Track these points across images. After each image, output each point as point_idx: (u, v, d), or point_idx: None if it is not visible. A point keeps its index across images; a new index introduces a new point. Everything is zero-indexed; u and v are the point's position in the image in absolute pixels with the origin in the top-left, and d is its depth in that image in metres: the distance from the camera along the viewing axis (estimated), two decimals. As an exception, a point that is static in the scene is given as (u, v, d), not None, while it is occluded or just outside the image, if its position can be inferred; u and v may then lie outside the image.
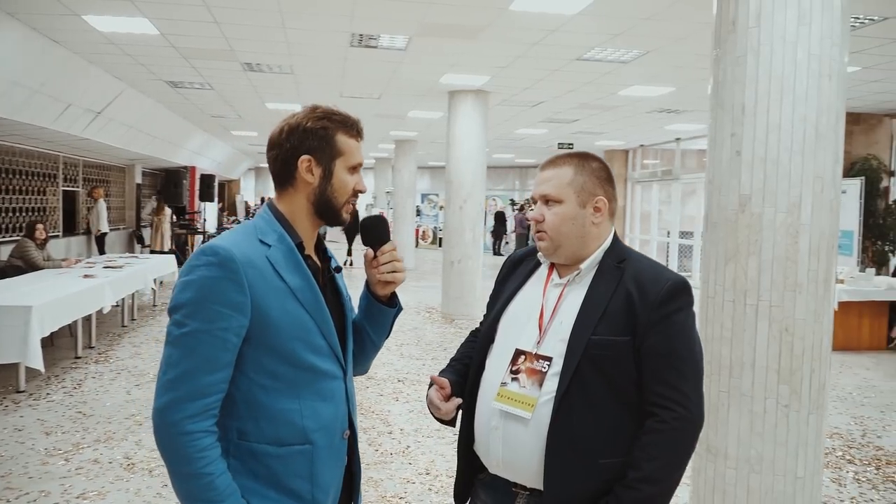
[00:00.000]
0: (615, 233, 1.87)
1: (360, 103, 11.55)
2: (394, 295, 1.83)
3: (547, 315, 1.78)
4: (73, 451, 4.57)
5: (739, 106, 3.38)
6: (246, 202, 27.76)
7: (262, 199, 28.95)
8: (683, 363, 1.68)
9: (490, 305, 1.99)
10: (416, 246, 17.36)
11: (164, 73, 9.35)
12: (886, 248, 10.56)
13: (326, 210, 1.68)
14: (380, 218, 1.81)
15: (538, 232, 1.82)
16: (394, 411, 5.60)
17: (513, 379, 1.75)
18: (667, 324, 1.68)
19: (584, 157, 1.85)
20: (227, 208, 26.17)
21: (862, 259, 10.29)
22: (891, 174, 11.19)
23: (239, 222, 21.31)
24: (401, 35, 7.14)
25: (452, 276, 10.12)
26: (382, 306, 1.80)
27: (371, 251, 1.77)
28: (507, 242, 22.64)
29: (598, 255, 1.80)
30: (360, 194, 1.75)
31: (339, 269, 1.79)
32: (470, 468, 1.90)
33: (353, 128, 1.69)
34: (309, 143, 1.64)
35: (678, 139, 15.23)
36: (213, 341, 1.50)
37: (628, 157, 17.80)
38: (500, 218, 22.27)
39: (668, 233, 15.83)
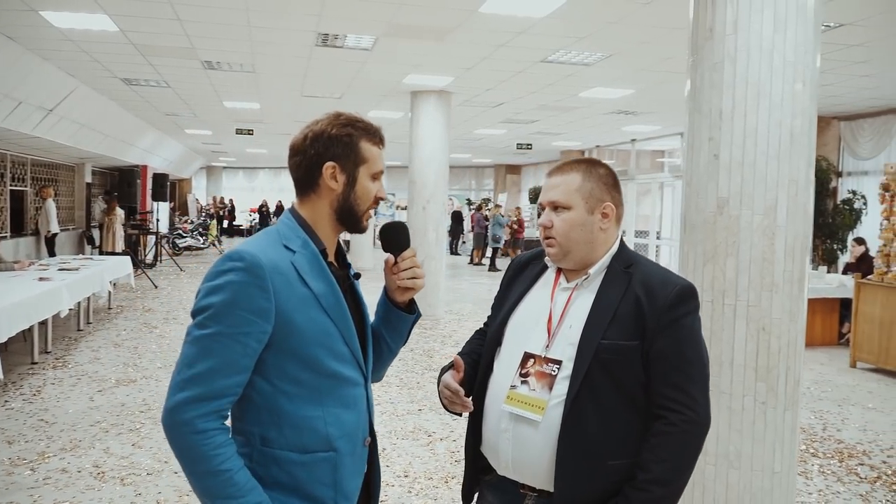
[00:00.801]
0: (621, 238, 1.90)
1: (320, 103, 11.45)
2: (412, 301, 1.83)
3: (555, 319, 1.79)
4: (38, 460, 4.43)
5: (717, 111, 3.46)
6: (197, 201, 27.22)
7: (215, 199, 28.46)
8: (691, 366, 1.71)
9: (496, 308, 2.00)
10: (374, 246, 17.25)
11: (120, 70, 9.12)
12: (836, 247, 10.94)
13: (349, 217, 1.68)
14: (401, 224, 1.81)
15: (547, 238, 1.83)
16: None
17: (522, 382, 1.76)
18: (675, 328, 1.70)
19: (591, 164, 1.88)
20: (179, 208, 25.64)
21: (813, 258, 10.64)
22: (839, 175, 11.60)
23: (192, 222, 20.92)
24: (367, 35, 7.11)
25: (416, 276, 10.09)
26: (401, 313, 1.80)
27: (392, 257, 1.76)
28: (463, 242, 22.73)
29: (606, 259, 1.82)
30: (381, 202, 1.75)
31: (358, 276, 1.78)
32: (475, 469, 1.92)
33: (375, 135, 1.70)
34: (334, 149, 1.63)
35: (634, 140, 15.51)
36: (234, 345, 1.49)
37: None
38: (456, 217, 22.34)
39: (624, 232, 16.09)
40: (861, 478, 4.56)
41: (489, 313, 2.07)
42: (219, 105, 12.18)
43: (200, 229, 20.26)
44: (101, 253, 13.94)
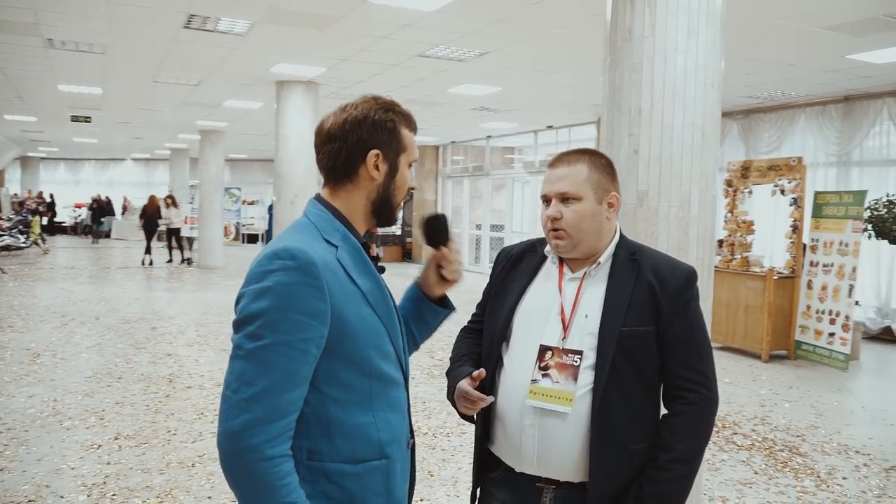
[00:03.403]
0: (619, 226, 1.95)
1: (172, 90, 10.78)
2: (445, 295, 1.78)
3: (568, 309, 1.80)
4: None
5: (636, 109, 3.66)
6: (15, 195, 24.58)
7: (29, 193, 25.77)
8: (702, 347, 1.80)
9: (492, 302, 1.96)
10: (223, 243, 16.51)
11: (-57, 45, 8.05)
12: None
13: (385, 208, 1.59)
14: (444, 215, 1.75)
15: (556, 230, 1.81)
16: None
17: (543, 375, 1.75)
18: (686, 311, 1.78)
19: (593, 154, 1.88)
20: (-11, 203, 23.02)
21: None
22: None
23: (10, 219, 18.87)
24: (244, 20, 6.78)
25: (284, 272, 9.79)
26: (437, 307, 1.76)
27: (445, 249, 1.71)
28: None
29: (611, 248, 1.85)
30: (412, 192, 1.68)
31: (383, 270, 1.71)
32: (481, 468, 1.90)
33: (412, 122, 1.62)
34: (378, 136, 1.53)
35: (489, 137, 15.97)
36: (295, 354, 1.36)
37: (439, 152, 18.30)
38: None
39: (479, 226, 16.56)
40: (738, 446, 5.02)
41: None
42: (52, 89, 11.10)
43: (21, 227, 18.33)
44: None
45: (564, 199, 1.81)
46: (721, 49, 3.70)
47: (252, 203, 24.11)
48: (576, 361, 1.74)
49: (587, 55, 7.72)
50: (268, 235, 23.80)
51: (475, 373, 1.77)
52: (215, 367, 6.79)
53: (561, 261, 1.88)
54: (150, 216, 16.15)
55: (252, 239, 24.17)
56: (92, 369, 6.55)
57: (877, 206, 8.01)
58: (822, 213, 7.79)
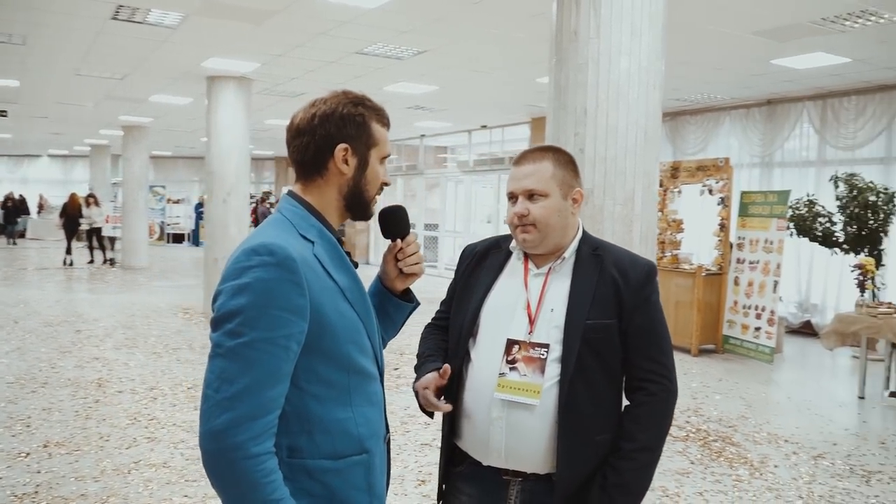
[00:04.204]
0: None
1: (96, 83, 10.36)
2: (409, 290, 1.77)
3: (534, 304, 1.83)
4: None
5: (582, 109, 3.73)
6: None
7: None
8: (663, 340, 1.86)
9: (458, 299, 1.97)
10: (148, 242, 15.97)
11: None
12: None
13: (358, 203, 1.58)
14: (401, 207, 1.74)
15: (523, 226, 1.83)
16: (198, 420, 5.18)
17: (511, 369, 1.78)
18: (647, 305, 1.83)
19: (557, 151, 1.92)
20: None
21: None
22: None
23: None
24: (176, 12, 6.57)
25: (216, 273, 9.52)
26: (401, 302, 1.75)
27: (398, 241, 1.71)
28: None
29: (575, 244, 1.89)
30: (385, 187, 1.66)
31: (356, 265, 1.69)
32: (447, 463, 1.91)
33: (384, 116, 1.61)
34: (347, 130, 1.52)
35: (423, 136, 15.97)
36: (277, 351, 1.35)
37: (371, 151, 18.16)
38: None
39: (414, 225, 16.52)
40: (674, 437, 5.17)
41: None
42: (-36, 81, 10.50)
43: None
44: None
45: (531, 195, 1.83)
46: (662, 51, 3.81)
47: (177, 202, 23.41)
48: (542, 354, 1.77)
49: (524, 55, 7.81)
50: (194, 235, 23.16)
51: (441, 370, 1.80)
52: (146, 370, 6.57)
53: (526, 257, 1.90)
54: (70, 215, 15.48)
55: (178, 239, 23.46)
56: (14, 375, 6.23)
57: (798, 205, 8.39)
58: (748, 212, 8.11)
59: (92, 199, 15.58)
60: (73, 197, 15.80)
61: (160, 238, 22.93)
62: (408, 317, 1.80)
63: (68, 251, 15.44)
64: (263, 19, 6.64)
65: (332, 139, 1.51)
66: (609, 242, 1.98)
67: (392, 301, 1.74)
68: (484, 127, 14.50)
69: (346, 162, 1.53)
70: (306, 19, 6.60)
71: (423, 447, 4.72)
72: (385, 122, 1.61)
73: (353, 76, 9.25)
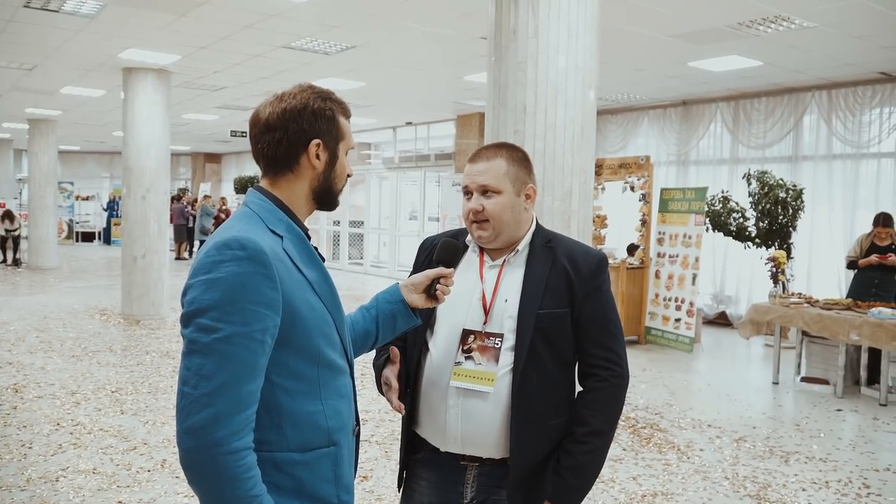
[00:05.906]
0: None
1: (2, 73, 9.82)
2: (414, 308, 1.84)
3: (489, 295, 1.89)
4: None
5: (521, 106, 3.80)
6: None
7: None
8: (614, 327, 1.93)
9: None
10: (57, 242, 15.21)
11: None
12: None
13: (327, 196, 1.60)
14: (465, 245, 1.94)
15: (478, 222, 1.89)
16: (126, 425, 5.01)
17: (466, 358, 1.84)
18: (598, 294, 1.91)
19: (511, 148, 1.98)
20: None
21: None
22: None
23: None
24: (94, 0, 6.30)
25: (135, 273, 9.18)
26: (413, 317, 1.81)
27: (452, 272, 1.82)
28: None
29: (529, 236, 1.96)
30: (349, 177, 1.68)
31: (323, 259, 1.69)
32: (406, 451, 1.96)
33: (347, 110, 1.63)
34: (318, 125, 1.53)
35: (348, 132, 15.80)
36: (253, 345, 1.35)
37: (294, 147, 17.89)
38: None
39: (338, 222, 16.38)
40: (606, 426, 5.34)
41: None
42: None
43: None
44: None
45: (485, 192, 1.88)
46: (597, 51, 3.92)
47: (87, 199, 22.42)
48: (497, 344, 1.83)
49: (453, 54, 7.87)
50: (105, 234, 22.23)
51: (391, 354, 1.85)
52: (66, 374, 6.28)
53: (481, 250, 1.96)
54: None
55: (88, 237, 22.47)
56: (-82, 383, 5.85)
57: (713, 202, 8.78)
58: (667, 208, 8.43)
59: (7, 219, 14.94)
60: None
61: (69, 237, 21.91)
62: (405, 330, 1.85)
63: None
64: (188, 10, 6.44)
65: (306, 134, 1.51)
66: (562, 235, 2.04)
67: (405, 314, 1.79)
68: (409, 123, 14.50)
69: (318, 157, 1.53)
70: (232, 11, 6.45)
71: (361, 443, 4.71)
72: (348, 115, 1.63)
73: (278, 70, 9.09)
